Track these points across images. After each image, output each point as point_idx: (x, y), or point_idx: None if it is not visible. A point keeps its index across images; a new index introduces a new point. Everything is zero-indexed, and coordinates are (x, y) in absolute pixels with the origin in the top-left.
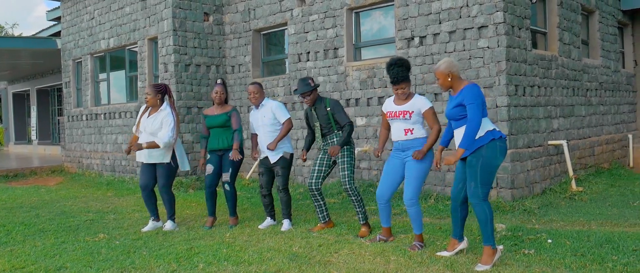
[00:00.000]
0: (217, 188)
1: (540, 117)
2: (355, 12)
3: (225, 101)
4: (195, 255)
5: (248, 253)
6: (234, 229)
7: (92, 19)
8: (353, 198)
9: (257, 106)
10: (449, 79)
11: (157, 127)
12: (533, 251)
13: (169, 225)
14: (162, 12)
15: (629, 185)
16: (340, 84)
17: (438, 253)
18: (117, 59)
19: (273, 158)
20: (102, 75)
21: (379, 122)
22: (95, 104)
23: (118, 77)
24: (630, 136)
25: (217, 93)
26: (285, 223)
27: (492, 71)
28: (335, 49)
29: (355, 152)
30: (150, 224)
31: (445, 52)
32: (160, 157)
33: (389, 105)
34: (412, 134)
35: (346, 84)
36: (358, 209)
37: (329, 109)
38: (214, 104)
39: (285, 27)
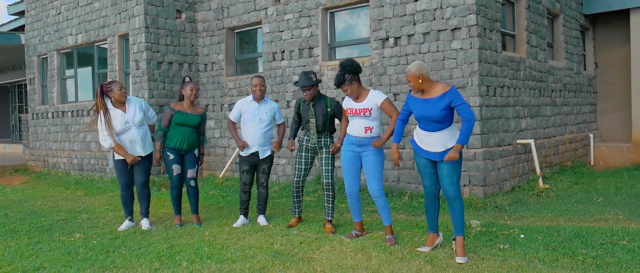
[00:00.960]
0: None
1: (510, 117)
2: (330, 12)
3: None
4: (177, 254)
5: (230, 251)
6: (213, 227)
7: (58, 14)
8: (331, 193)
9: (258, 100)
10: (420, 81)
11: (142, 115)
12: (508, 246)
13: (146, 223)
14: (134, 9)
15: (592, 182)
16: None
17: (418, 249)
18: (85, 56)
19: (263, 153)
20: (69, 72)
21: None
22: (61, 101)
23: (86, 74)
24: (591, 136)
25: (192, 90)
26: (262, 219)
27: (465, 72)
28: (310, 48)
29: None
30: (127, 223)
31: (420, 53)
32: (149, 147)
33: (349, 102)
34: (371, 132)
35: (321, 84)
36: (330, 205)
37: (329, 109)
38: (184, 101)
39: (260, 26)
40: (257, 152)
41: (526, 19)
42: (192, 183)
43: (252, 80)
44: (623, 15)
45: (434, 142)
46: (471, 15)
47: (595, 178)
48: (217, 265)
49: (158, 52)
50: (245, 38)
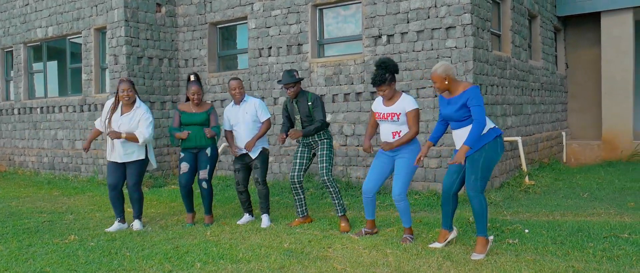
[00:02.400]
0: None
1: (498, 115)
2: (320, 9)
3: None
4: (185, 255)
5: (240, 251)
6: (213, 227)
7: (26, 5)
8: (331, 189)
9: (238, 102)
10: (446, 82)
11: (135, 126)
12: (517, 240)
13: (137, 224)
14: (112, 1)
15: (572, 178)
16: (304, 80)
17: (430, 245)
18: (55, 49)
19: (254, 153)
20: (38, 66)
21: (344, 119)
22: (29, 96)
23: (56, 69)
24: (563, 133)
25: (194, 94)
26: (265, 219)
27: (459, 70)
28: (299, 44)
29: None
30: (116, 225)
31: (414, 51)
32: (135, 154)
33: (378, 106)
34: (399, 136)
35: (310, 80)
36: (335, 201)
37: (310, 103)
38: (188, 102)
39: (245, 22)
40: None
41: (511, 19)
42: (204, 184)
43: (229, 83)
44: (593, 18)
45: (456, 140)
46: (466, 14)
47: (574, 175)
48: (232, 265)
49: (138, 46)
50: (225, 34)
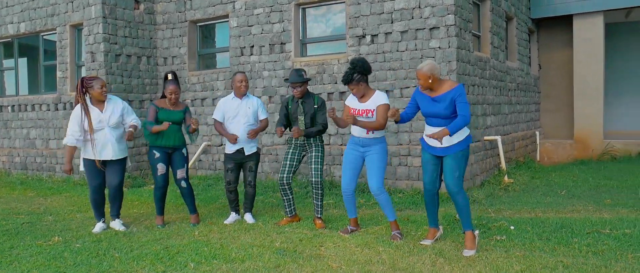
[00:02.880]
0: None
1: (479, 115)
2: (303, 8)
3: None
4: (176, 255)
5: (233, 250)
6: (200, 227)
7: None
8: (320, 191)
9: (241, 96)
10: (430, 81)
11: (119, 117)
12: (505, 237)
13: (118, 225)
14: None
15: (547, 176)
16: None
17: (421, 242)
18: (27, 46)
19: (249, 150)
20: (8, 63)
21: (327, 118)
22: (0, 94)
23: (28, 66)
24: (537, 133)
25: (172, 94)
26: (249, 217)
27: (443, 70)
28: (282, 43)
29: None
30: (100, 225)
31: (398, 51)
32: (123, 151)
33: (353, 102)
34: (372, 133)
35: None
36: (320, 202)
37: (316, 106)
38: (164, 98)
39: (226, 20)
40: (242, 148)
41: (490, 21)
42: (183, 183)
43: (234, 76)
44: (565, 20)
45: (430, 131)
46: (450, 15)
47: (549, 173)
48: (227, 264)
49: (116, 44)
50: (204, 32)
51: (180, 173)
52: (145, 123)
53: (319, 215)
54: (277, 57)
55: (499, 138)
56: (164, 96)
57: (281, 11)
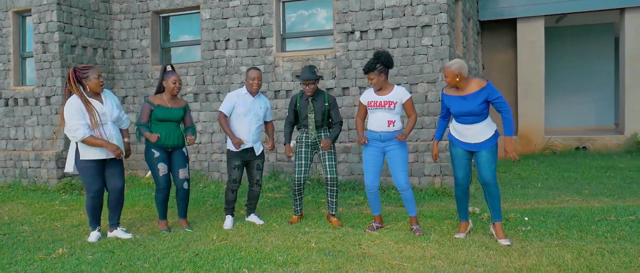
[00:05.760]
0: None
1: (437, 115)
2: (283, 2)
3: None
4: (215, 262)
5: (274, 254)
6: (208, 230)
7: None
8: (336, 189)
9: (255, 93)
10: (457, 79)
11: (118, 111)
12: (529, 228)
13: (122, 233)
14: None
15: (511, 170)
16: (268, 74)
17: (456, 236)
18: None
19: (258, 149)
20: None
21: None
22: None
23: None
24: None
25: (175, 83)
26: (256, 218)
27: (435, 67)
28: (262, 38)
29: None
30: (96, 234)
31: (389, 48)
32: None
33: (370, 96)
34: (394, 125)
35: (275, 75)
36: (335, 199)
37: (327, 104)
38: (164, 94)
39: (196, 11)
40: (252, 147)
41: (461, 21)
42: (186, 185)
43: (248, 72)
44: (508, 23)
45: (473, 133)
46: (442, 13)
47: (511, 167)
48: (281, 269)
49: (71, 33)
50: (168, 23)
51: (183, 173)
52: (139, 125)
53: (333, 213)
54: (257, 51)
55: None
56: (159, 92)
57: (261, 4)
